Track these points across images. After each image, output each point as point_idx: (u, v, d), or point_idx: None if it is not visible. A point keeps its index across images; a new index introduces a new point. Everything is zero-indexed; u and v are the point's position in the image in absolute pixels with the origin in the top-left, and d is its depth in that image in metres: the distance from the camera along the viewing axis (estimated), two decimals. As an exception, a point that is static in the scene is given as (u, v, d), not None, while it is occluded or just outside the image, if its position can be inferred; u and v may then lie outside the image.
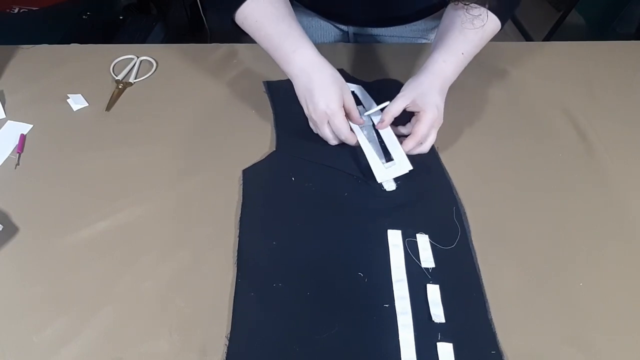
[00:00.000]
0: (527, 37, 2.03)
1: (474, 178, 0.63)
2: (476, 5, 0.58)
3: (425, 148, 0.62)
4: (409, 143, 0.61)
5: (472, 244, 0.56)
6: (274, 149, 0.67)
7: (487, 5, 0.60)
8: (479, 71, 0.79)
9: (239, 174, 0.64)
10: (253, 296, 0.52)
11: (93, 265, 0.55)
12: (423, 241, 0.56)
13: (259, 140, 0.69)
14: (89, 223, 0.59)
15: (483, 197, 0.61)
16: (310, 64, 0.61)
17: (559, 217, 0.59)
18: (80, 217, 0.60)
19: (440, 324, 0.49)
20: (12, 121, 0.73)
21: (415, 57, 0.82)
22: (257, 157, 0.66)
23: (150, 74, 0.81)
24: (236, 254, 0.55)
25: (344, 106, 0.61)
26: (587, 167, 0.65)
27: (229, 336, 0.49)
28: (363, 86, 0.73)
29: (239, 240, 0.57)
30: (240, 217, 0.59)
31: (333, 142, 0.65)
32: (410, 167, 0.60)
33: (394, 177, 0.61)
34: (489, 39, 0.66)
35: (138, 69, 0.82)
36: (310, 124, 0.66)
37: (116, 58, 0.83)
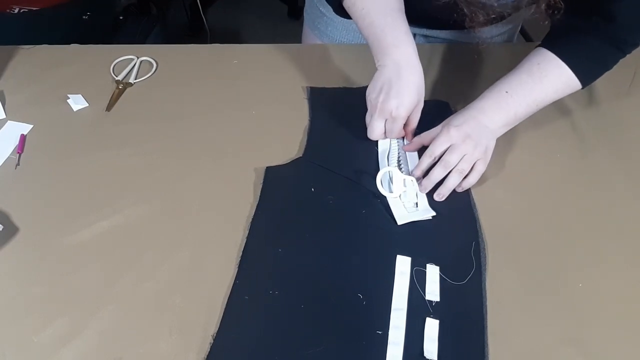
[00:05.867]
0: (527, 37, 2.03)
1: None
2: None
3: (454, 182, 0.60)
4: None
5: (485, 284, 0.53)
6: (291, 153, 0.66)
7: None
8: (479, 71, 0.79)
9: (239, 174, 0.64)
10: (247, 299, 0.51)
11: (93, 266, 0.55)
12: (432, 273, 0.54)
13: (259, 140, 0.69)
14: (89, 223, 0.59)
15: (480, 198, 0.61)
16: (406, 62, 0.60)
17: (558, 217, 0.59)
18: (80, 217, 0.60)
19: None
20: (12, 121, 0.73)
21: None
22: (256, 157, 0.66)
23: (150, 74, 0.81)
24: (240, 255, 0.55)
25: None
26: (586, 167, 0.65)
27: (214, 335, 0.49)
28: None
29: (246, 242, 0.56)
30: (253, 218, 0.59)
31: (374, 136, 0.65)
32: (433, 213, 0.59)
33: (414, 220, 0.58)
34: (557, 83, 0.61)
35: (138, 69, 0.82)
36: (369, 107, 0.65)
37: (116, 58, 0.83)
